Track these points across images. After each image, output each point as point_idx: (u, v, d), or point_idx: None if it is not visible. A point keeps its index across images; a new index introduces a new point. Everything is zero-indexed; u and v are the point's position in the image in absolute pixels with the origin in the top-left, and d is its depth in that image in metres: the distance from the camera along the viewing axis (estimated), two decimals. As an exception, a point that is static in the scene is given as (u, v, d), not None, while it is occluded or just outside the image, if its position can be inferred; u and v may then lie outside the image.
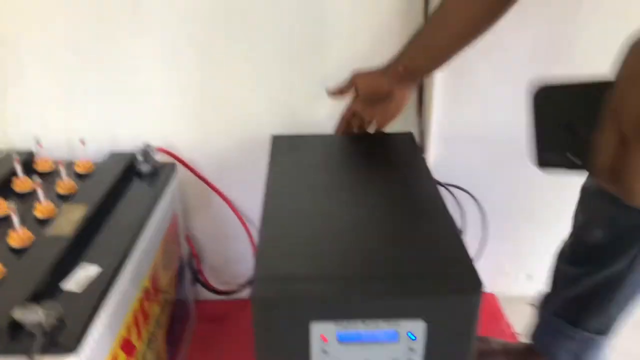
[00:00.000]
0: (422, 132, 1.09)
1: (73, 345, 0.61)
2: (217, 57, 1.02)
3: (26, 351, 0.59)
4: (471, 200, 1.17)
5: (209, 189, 1.13)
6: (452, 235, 0.68)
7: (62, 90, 1.04)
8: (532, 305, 1.03)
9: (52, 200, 0.86)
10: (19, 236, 0.76)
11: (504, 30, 0.99)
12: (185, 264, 1.13)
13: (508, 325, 1.20)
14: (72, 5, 0.97)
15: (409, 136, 0.97)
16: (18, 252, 0.75)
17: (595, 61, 1.01)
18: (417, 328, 0.60)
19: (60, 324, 0.62)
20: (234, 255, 1.21)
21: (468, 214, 1.18)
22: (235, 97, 1.06)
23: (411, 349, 0.61)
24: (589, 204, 0.88)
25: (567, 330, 0.93)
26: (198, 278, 1.19)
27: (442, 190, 1.13)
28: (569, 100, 0.55)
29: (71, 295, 0.68)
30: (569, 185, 0.86)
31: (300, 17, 0.98)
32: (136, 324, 0.80)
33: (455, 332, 0.60)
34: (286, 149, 0.93)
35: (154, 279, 0.89)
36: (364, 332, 0.60)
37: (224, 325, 1.19)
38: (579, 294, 0.91)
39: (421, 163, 0.89)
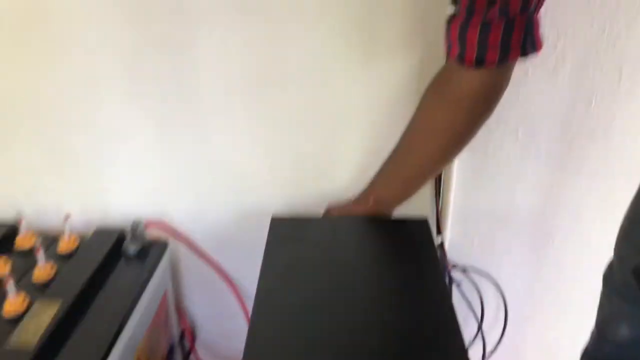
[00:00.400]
0: (439, 211, 0.99)
1: None
2: (217, 124, 0.93)
3: None
4: (490, 285, 1.07)
5: (205, 262, 1.04)
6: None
7: (50, 157, 0.97)
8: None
9: (26, 289, 0.78)
10: (-21, 344, 0.68)
11: (532, 108, 0.90)
12: (176, 342, 1.04)
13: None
14: (61, 69, 0.89)
15: (423, 224, 0.87)
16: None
17: (635, 139, 0.91)
18: None
19: None
20: (229, 331, 1.12)
21: (487, 298, 1.08)
22: (236, 168, 0.97)
23: None
24: (612, 297, 0.77)
25: None
26: (190, 355, 1.10)
27: (459, 274, 1.05)
28: None
29: None
30: (601, 271, 0.76)
31: (311, 88, 0.90)
32: None
33: None
34: (286, 236, 0.84)
35: (134, 380, 0.80)
36: None
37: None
38: None
39: (433, 261, 0.79)
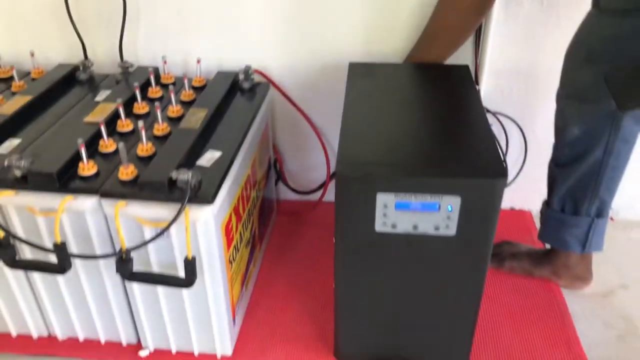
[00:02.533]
0: (477, 65, 1.26)
1: (210, 199, 0.87)
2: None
3: (179, 200, 0.86)
4: (515, 128, 1.36)
5: (293, 106, 1.36)
6: (488, 139, 0.89)
7: (180, 19, 1.28)
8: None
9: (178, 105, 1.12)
10: (160, 128, 1.02)
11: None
12: (272, 164, 1.39)
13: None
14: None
15: (465, 68, 1.16)
16: (160, 139, 1.01)
17: None
18: (454, 202, 0.82)
19: (199, 186, 0.89)
20: (309, 164, 1.46)
21: (512, 140, 1.37)
22: (321, 28, 1.26)
23: (448, 218, 0.84)
24: (564, 109, 1.07)
25: (571, 221, 1.14)
26: (281, 177, 1.45)
27: (489, 116, 1.33)
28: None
29: (204, 169, 0.94)
30: None
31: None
32: (242, 199, 1.07)
33: (482, 206, 0.82)
34: (361, 75, 1.14)
35: (253, 170, 1.15)
36: (414, 203, 0.83)
37: (299, 218, 1.46)
38: (572, 187, 1.11)
39: (473, 91, 1.08)
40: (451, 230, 0.85)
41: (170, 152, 0.95)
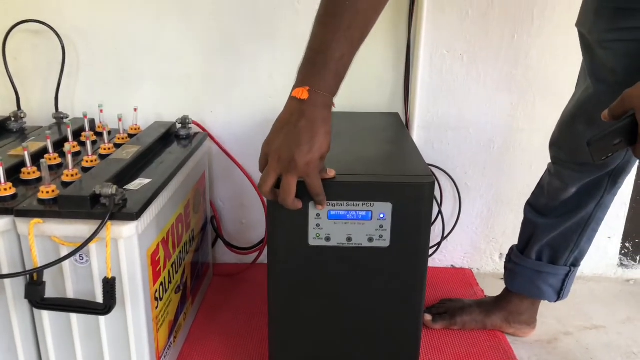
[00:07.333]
0: (408, 119, 1.33)
1: (135, 216, 0.83)
2: (241, 49, 1.28)
3: (102, 217, 0.81)
4: (449, 182, 1.40)
5: (231, 162, 1.36)
6: (415, 155, 0.92)
7: (119, 73, 1.31)
8: (506, 257, 1.22)
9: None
10: (89, 159, 1.00)
11: (472, 39, 1.26)
12: (209, 223, 1.35)
13: (483, 294, 1.38)
14: (131, 8, 1.26)
15: (395, 115, 1.22)
16: (88, 169, 0.98)
17: (545, 63, 1.27)
18: (386, 209, 0.81)
19: (124, 204, 0.85)
20: (248, 222, 1.43)
21: (446, 193, 1.40)
22: (255, 82, 1.31)
23: (381, 227, 0.82)
24: (562, 172, 1.05)
25: (549, 270, 1.13)
26: (219, 235, 1.40)
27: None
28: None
29: (131, 191, 0.90)
30: (536, 171, 1.12)
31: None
32: (172, 235, 1.02)
33: (414, 213, 0.82)
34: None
35: (186, 211, 1.11)
36: (347, 212, 0.82)
37: (235, 279, 1.39)
38: (555, 238, 1.10)
39: (402, 129, 1.12)
40: (385, 241, 0.83)
41: (96, 176, 0.92)
